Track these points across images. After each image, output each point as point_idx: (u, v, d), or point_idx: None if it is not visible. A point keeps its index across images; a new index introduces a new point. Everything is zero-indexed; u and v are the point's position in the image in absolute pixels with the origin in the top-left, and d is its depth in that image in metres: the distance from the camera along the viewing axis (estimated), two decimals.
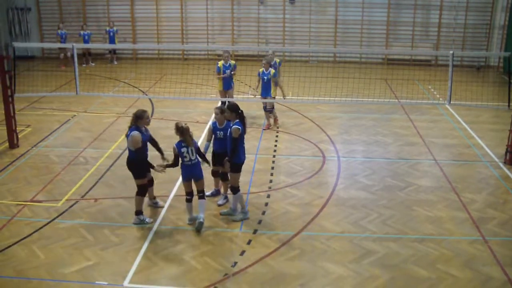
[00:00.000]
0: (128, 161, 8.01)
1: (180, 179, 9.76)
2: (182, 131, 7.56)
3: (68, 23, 22.11)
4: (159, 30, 22.76)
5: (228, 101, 8.32)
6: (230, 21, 22.49)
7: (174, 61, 21.40)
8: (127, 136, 7.91)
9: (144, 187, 8.07)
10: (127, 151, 8.11)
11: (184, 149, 7.60)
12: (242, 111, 7.97)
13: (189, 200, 7.96)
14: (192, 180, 7.95)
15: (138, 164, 7.95)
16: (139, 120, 7.91)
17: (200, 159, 7.85)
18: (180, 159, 7.75)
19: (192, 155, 7.67)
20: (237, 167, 8.09)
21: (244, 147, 8.16)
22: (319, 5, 22.04)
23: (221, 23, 22.79)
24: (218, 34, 22.87)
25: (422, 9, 21.76)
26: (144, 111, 8.06)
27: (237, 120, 7.90)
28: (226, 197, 8.88)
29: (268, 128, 12.77)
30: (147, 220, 8.14)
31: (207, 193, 8.95)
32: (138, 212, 8.12)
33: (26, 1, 22.54)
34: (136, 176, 8.00)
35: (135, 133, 7.79)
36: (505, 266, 7.01)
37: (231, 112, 7.95)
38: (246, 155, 8.27)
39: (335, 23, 22.03)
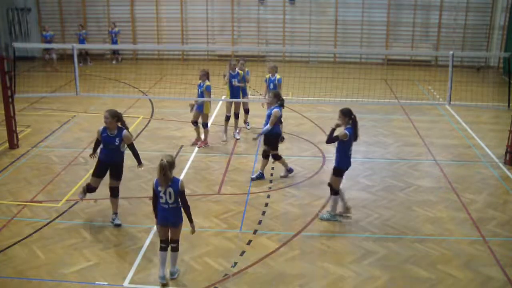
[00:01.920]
0: None
1: (181, 177, 9.80)
2: (158, 168, 6.13)
3: (68, 24, 22.14)
4: (159, 30, 22.77)
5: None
6: (230, 21, 22.50)
7: (174, 62, 21.41)
8: None
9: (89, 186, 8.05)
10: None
11: (161, 188, 6.23)
12: (355, 116, 7.77)
13: (163, 249, 6.51)
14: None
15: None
16: None
17: (181, 205, 6.40)
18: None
19: (170, 198, 6.24)
20: (338, 172, 8.01)
21: (349, 154, 7.91)
22: (319, 5, 22.05)
23: (221, 24, 22.80)
24: (218, 34, 22.88)
25: (422, 9, 21.77)
26: (106, 110, 7.72)
27: (349, 126, 7.73)
28: (261, 174, 9.81)
29: (200, 146, 11.48)
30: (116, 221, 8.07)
31: (253, 175, 9.80)
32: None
33: (26, 1, 22.55)
34: None
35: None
36: (505, 267, 7.02)
37: (344, 117, 7.73)
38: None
39: (335, 24, 22.04)
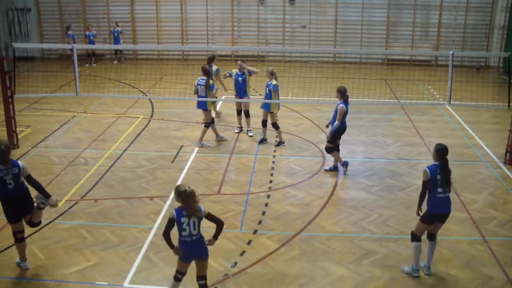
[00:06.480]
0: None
1: (181, 177, 9.85)
2: (184, 196, 5.58)
3: (68, 24, 22.15)
4: (159, 30, 22.77)
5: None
6: (230, 21, 22.50)
7: (174, 62, 21.40)
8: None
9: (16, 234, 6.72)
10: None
11: (184, 219, 5.63)
12: (445, 160, 6.79)
13: (177, 279, 6.02)
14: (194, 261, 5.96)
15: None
16: None
17: (215, 222, 5.83)
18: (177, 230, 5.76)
19: (194, 229, 5.65)
20: (424, 217, 6.64)
21: (438, 197, 6.55)
22: (319, 5, 22.06)
23: (221, 24, 22.81)
24: (218, 34, 22.89)
25: (422, 9, 21.78)
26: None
27: (436, 163, 6.79)
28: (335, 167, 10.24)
29: None
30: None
31: (326, 167, 10.26)
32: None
33: (26, 1, 22.56)
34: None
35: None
36: (505, 267, 7.01)
37: (435, 153, 6.86)
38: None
39: (335, 24, 22.04)
